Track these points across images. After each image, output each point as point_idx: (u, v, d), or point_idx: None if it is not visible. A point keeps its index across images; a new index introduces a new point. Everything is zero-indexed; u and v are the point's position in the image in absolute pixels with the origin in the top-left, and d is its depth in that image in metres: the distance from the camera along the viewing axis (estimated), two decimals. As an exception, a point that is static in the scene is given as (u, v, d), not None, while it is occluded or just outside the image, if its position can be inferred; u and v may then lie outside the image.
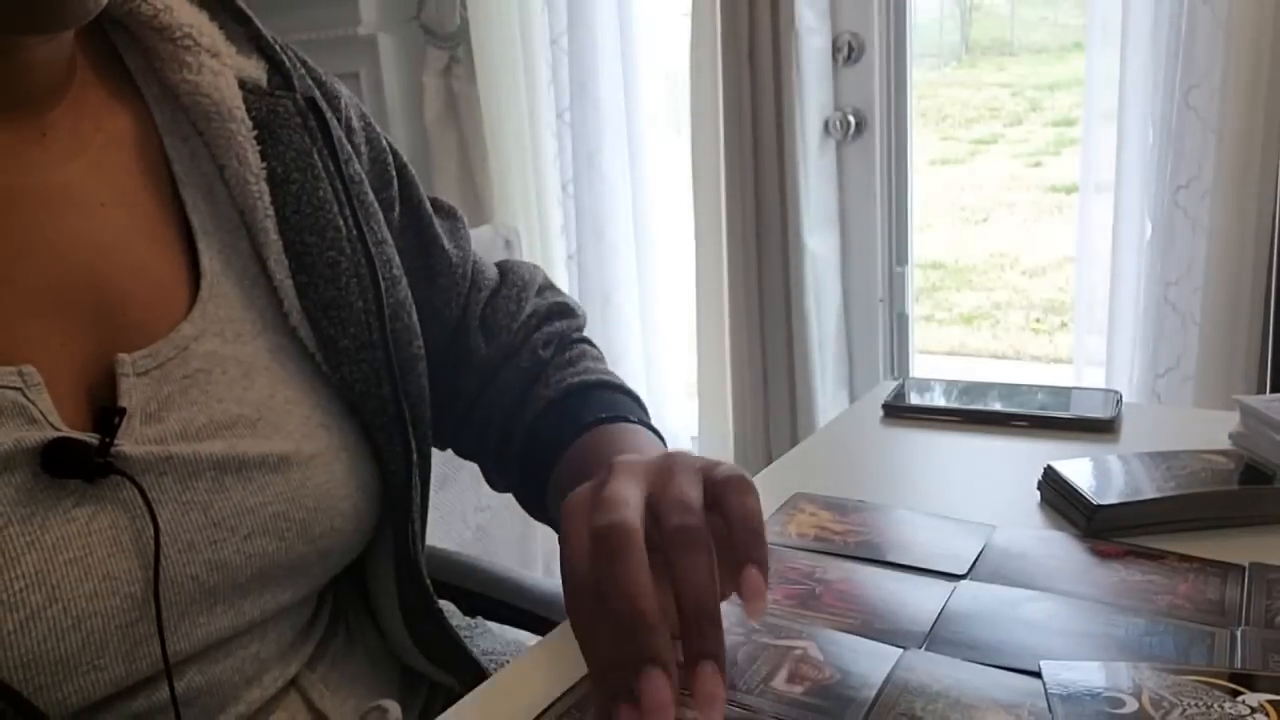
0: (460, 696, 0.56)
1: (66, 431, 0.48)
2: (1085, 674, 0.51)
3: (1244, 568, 0.62)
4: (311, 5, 2.23)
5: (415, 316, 0.66)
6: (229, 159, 0.58)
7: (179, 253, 0.57)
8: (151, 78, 0.59)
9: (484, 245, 1.52)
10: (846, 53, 1.94)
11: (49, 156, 0.52)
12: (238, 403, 0.55)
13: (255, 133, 0.58)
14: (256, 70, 0.59)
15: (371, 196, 0.65)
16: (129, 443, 0.50)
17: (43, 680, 0.46)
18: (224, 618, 0.54)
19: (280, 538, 0.55)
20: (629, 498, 0.45)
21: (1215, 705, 0.47)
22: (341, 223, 0.60)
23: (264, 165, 0.58)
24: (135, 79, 0.58)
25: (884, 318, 2.07)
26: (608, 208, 2.16)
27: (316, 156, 0.60)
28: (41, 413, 0.48)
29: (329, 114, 0.62)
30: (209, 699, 0.55)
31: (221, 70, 0.57)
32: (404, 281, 0.65)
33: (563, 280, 2.27)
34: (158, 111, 0.58)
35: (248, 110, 0.58)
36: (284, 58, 0.62)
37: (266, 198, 0.58)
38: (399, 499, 0.62)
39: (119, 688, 0.50)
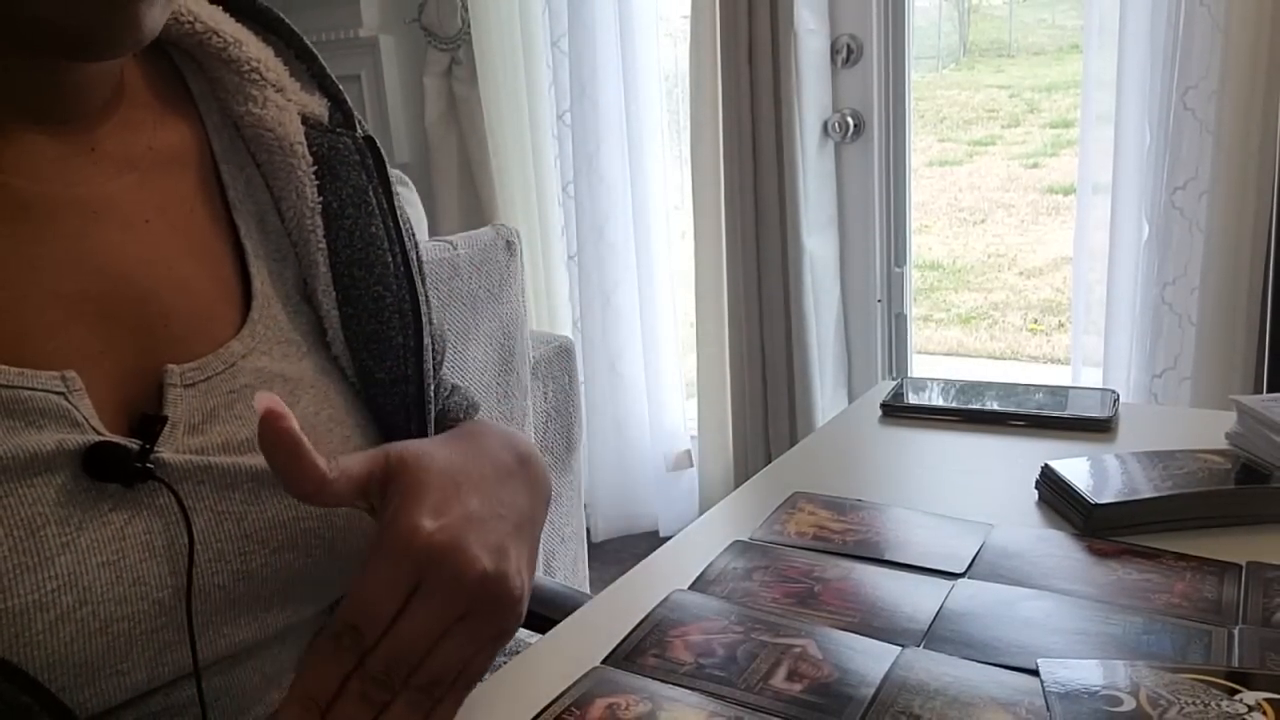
0: None
1: (108, 436, 0.49)
2: (1083, 672, 0.51)
3: (1241, 566, 0.63)
4: (313, 7, 2.23)
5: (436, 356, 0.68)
6: (287, 191, 0.59)
7: (228, 273, 0.58)
8: (213, 105, 0.60)
9: (485, 246, 1.52)
10: (845, 54, 1.95)
11: (97, 170, 0.54)
12: None
13: (315, 168, 0.60)
14: (319, 107, 0.61)
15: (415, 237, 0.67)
16: (169, 450, 0.51)
17: (65, 682, 0.46)
18: (247, 629, 0.54)
19: (308, 554, 0.56)
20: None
21: (1212, 703, 0.48)
22: (390, 259, 0.61)
23: (320, 199, 0.59)
24: (197, 104, 0.60)
25: (882, 318, 2.08)
26: (607, 209, 2.17)
27: (371, 194, 0.61)
28: (84, 417, 0.49)
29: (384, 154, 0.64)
30: (229, 702, 0.56)
31: (286, 106, 0.59)
32: (435, 319, 0.67)
33: (563, 281, 2.27)
34: (216, 138, 0.60)
35: (309, 145, 0.60)
36: (346, 96, 0.64)
37: (320, 231, 0.59)
38: None
39: (139, 692, 0.50)
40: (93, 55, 0.50)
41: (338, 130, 0.61)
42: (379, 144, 0.64)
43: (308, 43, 0.63)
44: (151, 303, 0.53)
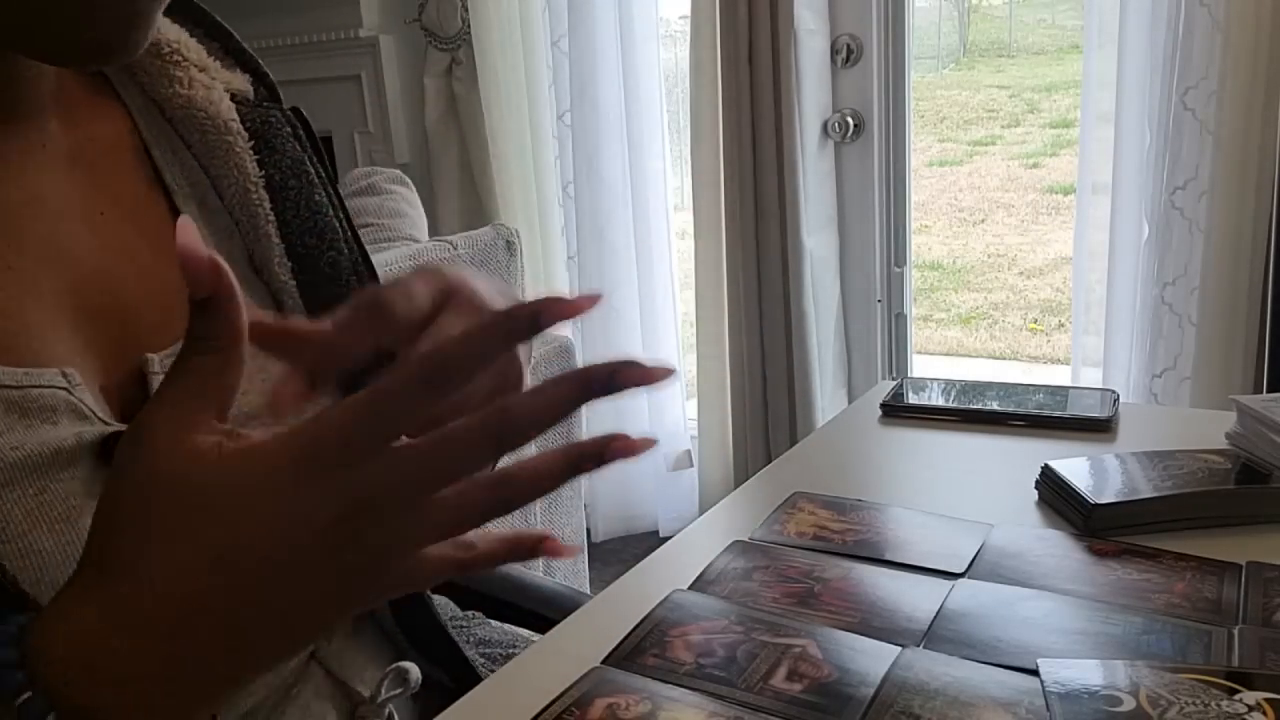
0: (454, 691, 0.56)
1: (118, 426, 0.51)
2: (1083, 672, 0.51)
3: (1241, 566, 0.63)
4: (313, 8, 2.23)
5: None
6: (227, 169, 0.60)
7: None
8: (135, 90, 0.60)
9: (485, 246, 1.53)
10: (845, 55, 1.95)
11: (54, 165, 0.54)
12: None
13: (251, 143, 0.60)
14: (243, 83, 0.62)
15: None
16: None
17: None
18: None
19: None
20: None
21: (1212, 703, 0.48)
22: (337, 224, 0.63)
23: (262, 174, 0.60)
24: (119, 91, 0.60)
25: (882, 318, 2.08)
26: (607, 209, 2.17)
27: (308, 163, 0.63)
28: (90, 410, 0.50)
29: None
30: None
31: (212, 84, 0.60)
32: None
33: (563, 281, 2.28)
34: (143, 123, 0.60)
35: (241, 121, 0.60)
36: (267, 70, 0.64)
37: (267, 204, 0.60)
38: None
39: None
40: (105, 62, 0.51)
41: (265, 104, 0.62)
42: (305, 115, 0.65)
43: (218, 19, 0.63)
44: (121, 294, 0.54)
